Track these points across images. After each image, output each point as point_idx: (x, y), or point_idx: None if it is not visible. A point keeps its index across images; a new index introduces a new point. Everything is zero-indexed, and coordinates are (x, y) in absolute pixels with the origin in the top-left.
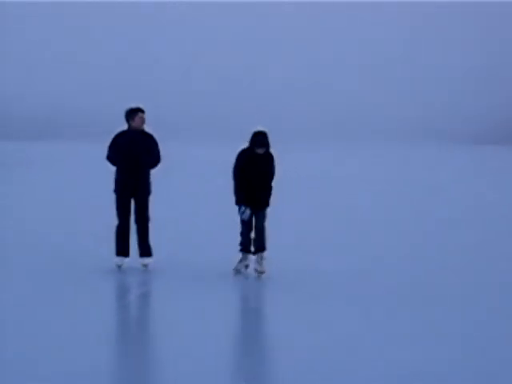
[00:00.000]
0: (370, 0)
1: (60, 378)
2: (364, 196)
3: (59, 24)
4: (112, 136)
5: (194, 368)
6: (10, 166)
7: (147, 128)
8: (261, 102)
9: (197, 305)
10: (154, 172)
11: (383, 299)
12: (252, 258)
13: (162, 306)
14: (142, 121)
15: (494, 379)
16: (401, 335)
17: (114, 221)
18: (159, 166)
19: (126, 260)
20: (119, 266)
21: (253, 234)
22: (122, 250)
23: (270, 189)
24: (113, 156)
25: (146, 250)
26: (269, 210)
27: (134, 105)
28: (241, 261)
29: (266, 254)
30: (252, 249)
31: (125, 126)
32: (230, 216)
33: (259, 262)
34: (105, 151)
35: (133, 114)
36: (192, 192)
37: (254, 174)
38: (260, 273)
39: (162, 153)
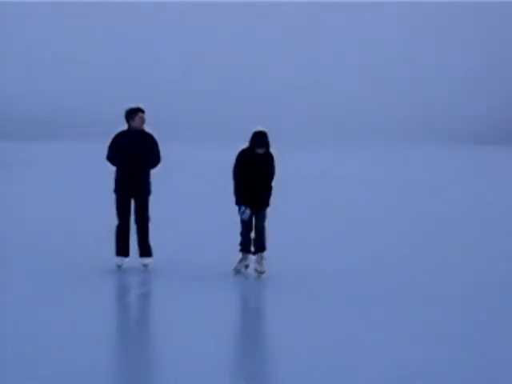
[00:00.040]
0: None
1: (60, 378)
2: (364, 196)
3: (59, 24)
4: (112, 136)
5: (194, 368)
6: (10, 166)
7: (147, 128)
8: (261, 101)
9: (197, 305)
10: (154, 172)
11: (383, 299)
12: (252, 257)
13: (162, 305)
14: (142, 121)
15: (494, 379)
16: (401, 335)
17: (113, 221)
18: (159, 165)
19: (126, 260)
20: (119, 266)
21: (253, 234)
22: (122, 249)
23: (270, 189)
24: (113, 156)
25: (145, 250)
26: (269, 210)
27: (133, 105)
28: (241, 261)
29: (266, 254)
30: (252, 249)
31: (125, 126)
32: (230, 216)
33: (259, 262)
34: (105, 151)
35: (133, 113)
36: (192, 192)
37: (254, 174)
38: (260, 273)
39: (162, 153)
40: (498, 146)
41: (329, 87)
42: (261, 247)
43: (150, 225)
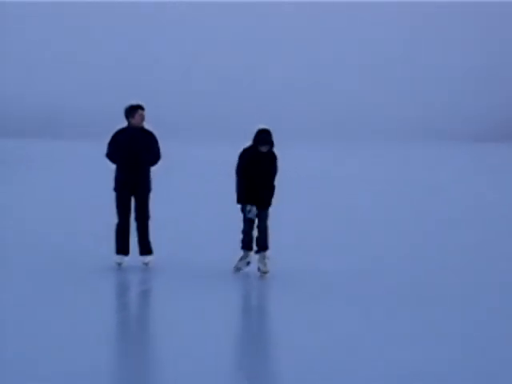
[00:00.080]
0: (370, 0)
1: (60, 378)
2: (364, 196)
3: (59, 24)
4: (111, 133)
5: (194, 368)
6: (10, 164)
7: (147, 125)
8: (261, 101)
9: (197, 304)
10: (153, 171)
11: (383, 299)
12: (254, 256)
13: (162, 305)
14: (142, 118)
15: (494, 379)
16: (401, 335)
17: (113, 220)
18: (159, 163)
19: (126, 258)
20: (119, 264)
21: (255, 233)
22: (122, 248)
23: (272, 188)
24: (112, 153)
25: (146, 248)
26: (270, 210)
27: (133, 102)
28: (241, 258)
29: (268, 253)
30: (254, 247)
31: (124, 124)
32: (230, 216)
33: (263, 261)
34: (104, 150)
35: (132, 111)
36: (192, 192)
37: (256, 173)
38: (264, 273)
39: (162, 152)
40: (499, 143)
41: (329, 87)
42: (263, 246)
43: (150, 224)
